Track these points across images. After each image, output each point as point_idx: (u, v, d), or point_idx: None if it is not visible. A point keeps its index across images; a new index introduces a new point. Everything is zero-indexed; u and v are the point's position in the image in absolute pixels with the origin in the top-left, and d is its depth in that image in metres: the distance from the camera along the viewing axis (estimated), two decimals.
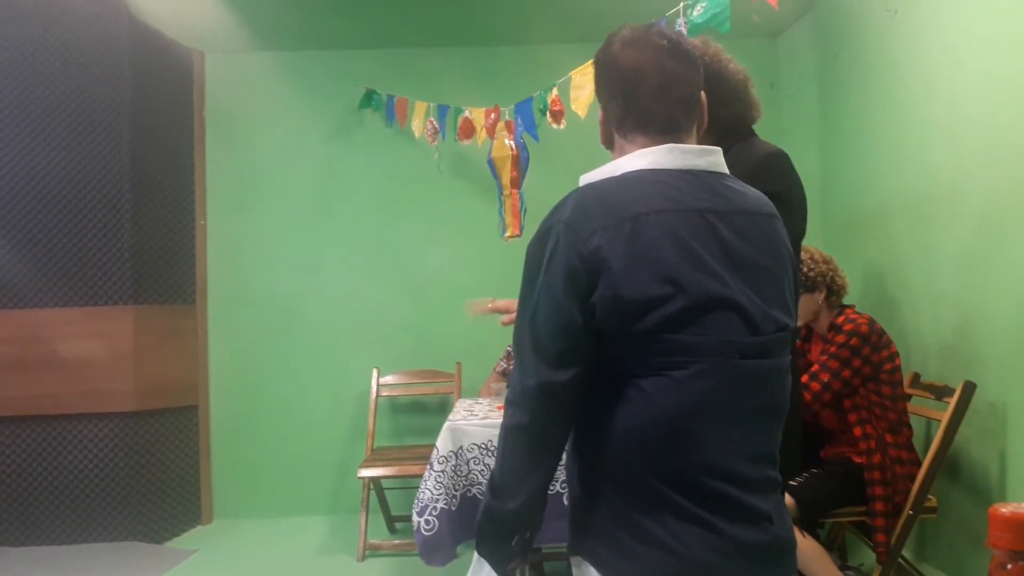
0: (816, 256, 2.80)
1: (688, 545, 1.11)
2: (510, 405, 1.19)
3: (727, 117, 1.83)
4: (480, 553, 1.26)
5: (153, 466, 3.95)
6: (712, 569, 1.11)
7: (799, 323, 2.78)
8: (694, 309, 1.11)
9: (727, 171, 1.26)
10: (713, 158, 1.24)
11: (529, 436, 1.17)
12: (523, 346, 1.17)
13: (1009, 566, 0.61)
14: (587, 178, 1.25)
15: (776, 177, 1.73)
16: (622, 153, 1.26)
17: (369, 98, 4.29)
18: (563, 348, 1.13)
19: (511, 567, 1.28)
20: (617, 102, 1.25)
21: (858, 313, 2.77)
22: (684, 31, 2.82)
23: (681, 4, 2.92)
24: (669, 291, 1.10)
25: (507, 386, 1.24)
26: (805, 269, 2.74)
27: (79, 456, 3.81)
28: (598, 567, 1.18)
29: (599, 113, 1.32)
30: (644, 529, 1.13)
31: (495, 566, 1.26)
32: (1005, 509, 0.61)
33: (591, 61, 1.36)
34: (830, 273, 2.79)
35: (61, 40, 3.82)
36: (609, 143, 1.32)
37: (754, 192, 1.28)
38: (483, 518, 1.24)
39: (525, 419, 1.16)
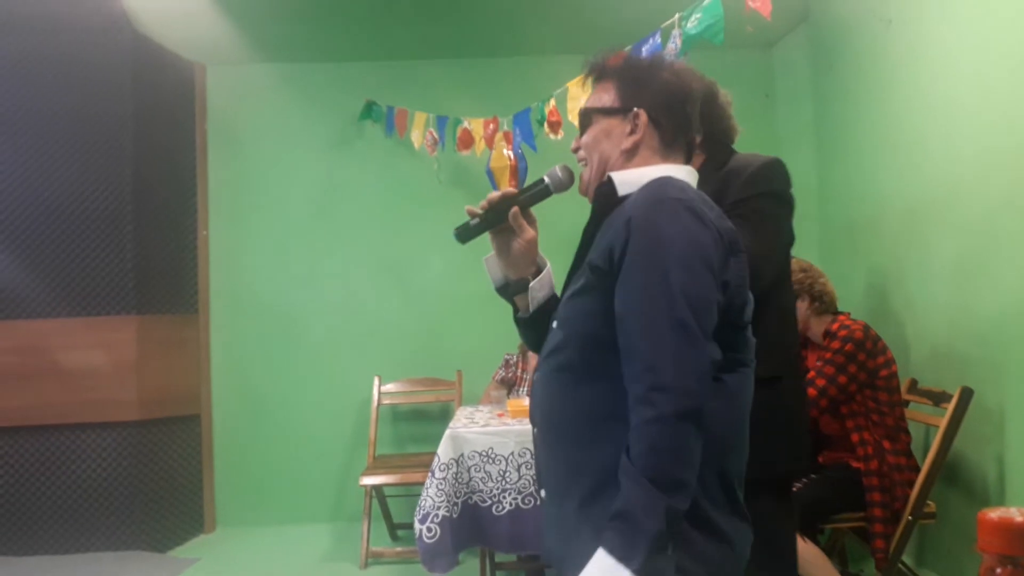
0: (792, 266, 2.84)
1: (738, 543, 1.15)
2: (670, 391, 1.03)
3: (717, 134, 1.91)
4: (644, 571, 0.99)
5: (156, 475, 3.96)
6: (742, 566, 1.16)
7: None
8: (750, 309, 1.21)
9: None
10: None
11: (698, 424, 1.04)
12: (683, 323, 1.05)
13: (998, 570, 0.63)
14: (628, 177, 1.27)
15: (782, 179, 1.83)
16: (636, 163, 1.30)
17: (369, 109, 4.32)
18: (714, 326, 1.09)
19: None
20: (665, 119, 1.30)
21: (852, 320, 2.80)
22: (679, 43, 2.85)
23: (676, 15, 2.96)
24: (747, 288, 1.19)
25: (648, 372, 1.05)
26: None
27: (82, 466, 3.83)
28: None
29: (628, 121, 1.31)
30: (716, 527, 1.12)
31: None
32: (994, 514, 0.64)
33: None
34: (808, 280, 2.83)
35: (63, 53, 3.85)
36: (626, 160, 1.31)
37: None
38: (664, 523, 1.00)
39: (698, 403, 1.03)
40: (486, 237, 1.43)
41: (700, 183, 1.78)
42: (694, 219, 1.11)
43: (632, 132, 1.30)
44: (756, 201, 1.75)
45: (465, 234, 1.41)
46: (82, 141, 3.87)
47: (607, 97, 1.33)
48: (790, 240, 1.88)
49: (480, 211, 1.39)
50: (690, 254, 1.08)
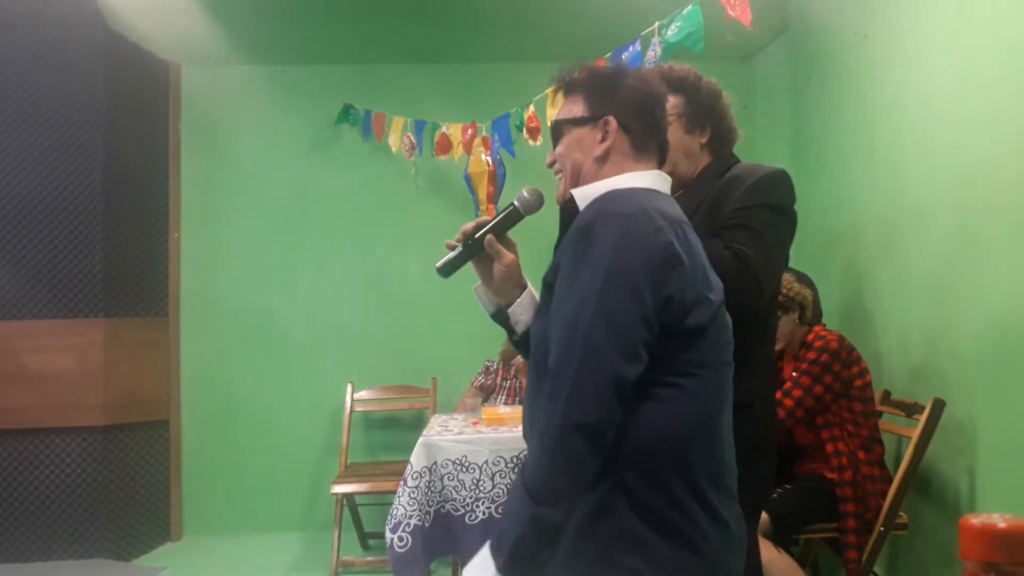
0: (789, 277, 2.84)
1: (715, 546, 1.14)
2: (564, 403, 1.07)
3: (724, 135, 1.88)
4: (508, 573, 1.10)
5: (122, 482, 3.88)
6: (724, 569, 1.16)
7: (780, 345, 2.81)
8: (717, 312, 1.20)
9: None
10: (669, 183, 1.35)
11: (591, 436, 1.07)
12: (593, 336, 1.08)
13: None
14: (587, 190, 1.29)
15: (788, 192, 1.79)
16: (608, 170, 1.32)
17: (346, 113, 4.29)
18: (639, 340, 1.09)
19: None
20: (636, 124, 1.32)
21: (828, 330, 2.81)
22: (659, 51, 2.86)
23: (656, 23, 2.96)
24: (708, 294, 1.18)
25: (550, 383, 1.10)
26: (784, 290, 2.77)
27: (46, 471, 3.73)
28: None
29: (599, 128, 1.33)
30: (682, 533, 1.12)
31: None
32: (976, 520, 0.62)
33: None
34: (803, 293, 2.83)
35: (34, 50, 3.78)
36: (597, 168, 1.32)
37: None
38: (528, 530, 1.09)
39: (589, 417, 1.06)
40: (461, 228, 1.44)
41: (700, 187, 1.79)
42: (627, 235, 1.12)
43: (603, 139, 1.32)
44: (759, 211, 1.69)
45: (447, 268, 1.45)
46: (52, 139, 3.79)
47: (577, 108, 1.36)
48: (786, 260, 1.83)
49: (457, 243, 1.43)
50: (614, 271, 1.10)
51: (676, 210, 1.24)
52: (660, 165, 1.35)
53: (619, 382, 1.08)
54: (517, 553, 1.09)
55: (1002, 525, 0.63)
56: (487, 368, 3.94)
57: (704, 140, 1.87)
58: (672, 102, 1.84)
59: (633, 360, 1.09)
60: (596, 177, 1.31)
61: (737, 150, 1.97)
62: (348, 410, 4.13)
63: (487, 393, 3.88)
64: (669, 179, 1.34)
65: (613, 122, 1.31)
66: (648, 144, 1.33)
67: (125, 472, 3.90)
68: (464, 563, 2.98)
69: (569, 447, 1.07)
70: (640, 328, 1.09)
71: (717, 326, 1.19)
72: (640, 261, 1.10)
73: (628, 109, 1.32)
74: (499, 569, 1.10)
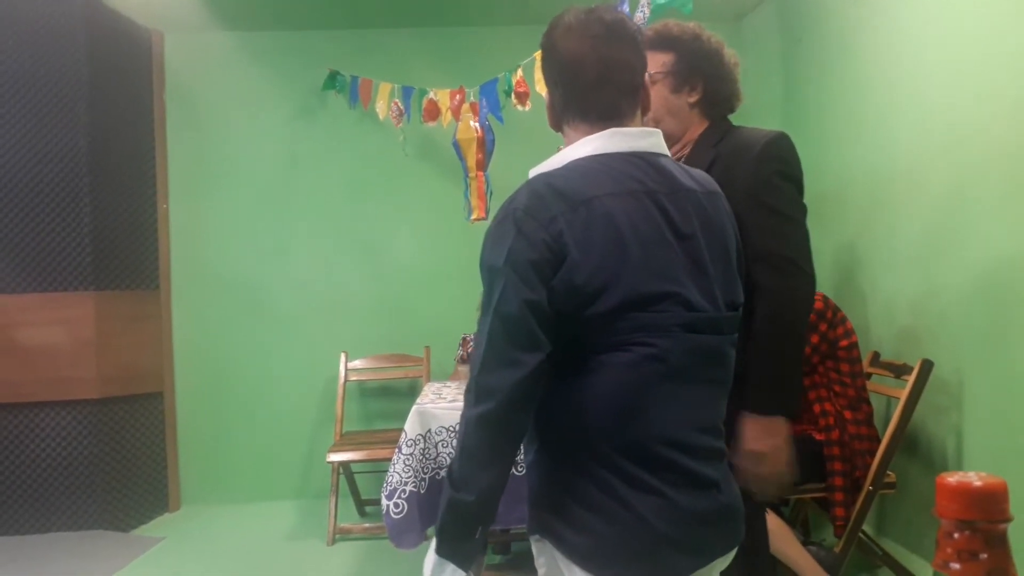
0: None
1: (641, 514, 1.14)
2: (474, 393, 1.16)
3: (725, 94, 1.85)
4: (441, 553, 1.18)
5: (118, 454, 3.90)
6: (663, 536, 1.14)
7: None
8: (646, 289, 1.15)
9: (667, 152, 1.29)
10: (655, 139, 1.26)
11: (497, 424, 1.14)
12: (493, 332, 1.14)
13: (956, 535, 0.63)
14: (536, 170, 1.26)
15: (796, 159, 1.78)
16: (567, 137, 1.29)
17: (332, 79, 4.23)
18: (532, 331, 1.12)
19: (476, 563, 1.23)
20: (558, 91, 1.28)
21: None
22: (647, 12, 2.82)
23: None
24: (624, 273, 1.13)
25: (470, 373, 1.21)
26: None
27: (42, 445, 3.75)
28: (556, 543, 1.20)
29: (546, 98, 1.33)
30: (596, 500, 1.15)
31: (461, 563, 1.18)
32: (952, 479, 0.63)
33: None
34: None
35: (13, 19, 3.71)
36: (557, 126, 1.32)
37: (697, 171, 1.32)
38: (447, 514, 1.18)
39: (492, 406, 1.13)
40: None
41: (694, 158, 1.76)
42: (516, 232, 1.13)
43: (549, 106, 1.32)
44: (781, 189, 1.69)
45: None
46: (35, 109, 3.73)
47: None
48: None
49: None
50: (509, 266, 1.13)
51: (606, 176, 1.17)
52: (616, 116, 1.24)
53: (517, 371, 1.12)
54: (444, 535, 1.18)
55: (977, 483, 0.63)
56: (464, 340, 3.94)
57: (693, 99, 1.83)
58: (661, 60, 1.81)
59: (531, 350, 1.13)
60: (564, 145, 1.28)
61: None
62: (342, 379, 4.14)
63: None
64: (628, 129, 1.24)
65: (551, 88, 1.29)
66: (580, 108, 1.25)
67: (121, 444, 3.92)
68: None
69: (474, 437, 1.15)
70: (530, 319, 1.12)
71: (644, 303, 1.14)
72: (528, 256, 1.12)
73: (548, 77, 1.29)
74: (435, 550, 1.19)
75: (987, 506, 0.63)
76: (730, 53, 1.86)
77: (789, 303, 1.65)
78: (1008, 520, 0.64)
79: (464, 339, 3.94)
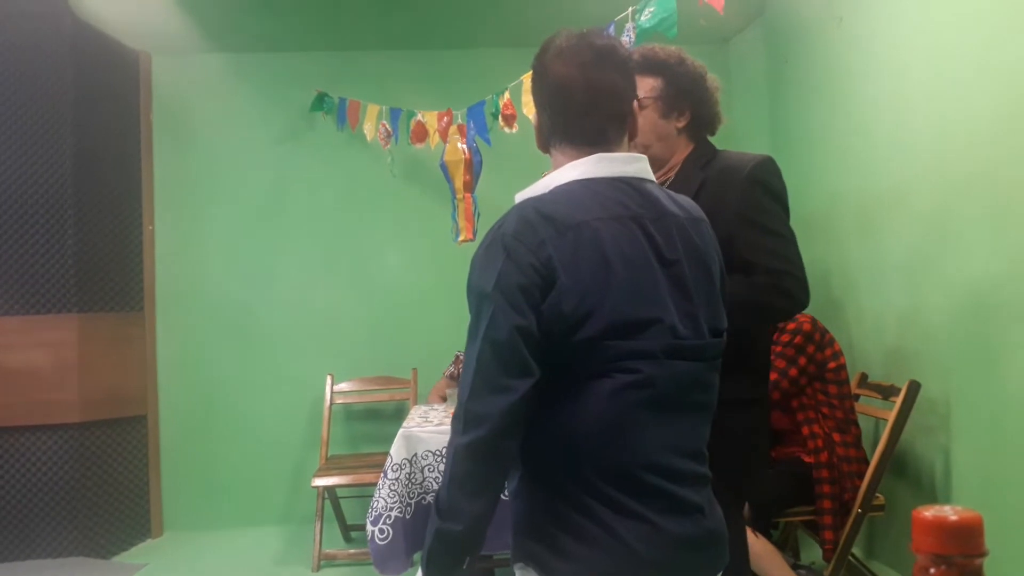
0: None
1: (623, 539, 1.13)
2: (462, 420, 1.14)
3: (709, 117, 1.86)
4: None
5: (100, 479, 3.84)
6: (648, 562, 1.13)
7: None
8: (632, 315, 1.15)
9: (653, 177, 1.29)
10: (640, 164, 1.26)
11: (486, 451, 1.13)
12: (482, 357, 1.13)
13: (932, 570, 0.61)
14: (522, 195, 1.26)
15: (782, 181, 1.82)
16: (554, 160, 1.29)
17: (321, 101, 4.24)
18: (523, 356, 1.12)
19: None
20: (547, 114, 1.28)
21: (801, 313, 2.81)
22: (632, 36, 2.84)
23: (630, 9, 2.94)
24: (610, 298, 1.13)
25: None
26: None
27: (22, 469, 3.69)
28: (540, 571, 1.18)
29: (534, 119, 1.34)
30: (581, 527, 1.14)
31: None
32: (927, 512, 0.62)
33: None
34: None
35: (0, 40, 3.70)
36: (544, 148, 1.32)
37: (682, 197, 1.32)
38: (434, 544, 1.16)
39: (482, 433, 1.11)
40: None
41: (680, 180, 1.77)
42: (505, 256, 1.13)
43: (537, 130, 1.32)
44: (770, 211, 1.73)
45: None
46: (19, 132, 3.71)
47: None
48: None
49: None
50: (498, 292, 1.12)
51: (592, 201, 1.17)
52: (603, 142, 1.24)
53: (508, 398, 1.11)
54: (431, 566, 1.18)
55: (953, 517, 0.62)
56: (457, 358, 3.92)
57: (681, 124, 1.85)
58: (650, 84, 1.82)
59: (521, 376, 1.12)
60: (551, 168, 1.28)
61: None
62: (328, 402, 4.11)
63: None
64: (615, 155, 1.24)
65: (539, 110, 1.30)
66: (567, 132, 1.25)
67: (103, 469, 3.86)
68: None
69: (462, 466, 1.13)
70: (520, 345, 1.11)
71: (628, 330, 1.14)
72: (517, 281, 1.11)
73: (536, 100, 1.30)
74: None
75: (963, 541, 0.61)
76: (712, 77, 1.88)
77: (773, 289, 1.69)
78: (984, 555, 0.62)
79: (457, 356, 3.92)
